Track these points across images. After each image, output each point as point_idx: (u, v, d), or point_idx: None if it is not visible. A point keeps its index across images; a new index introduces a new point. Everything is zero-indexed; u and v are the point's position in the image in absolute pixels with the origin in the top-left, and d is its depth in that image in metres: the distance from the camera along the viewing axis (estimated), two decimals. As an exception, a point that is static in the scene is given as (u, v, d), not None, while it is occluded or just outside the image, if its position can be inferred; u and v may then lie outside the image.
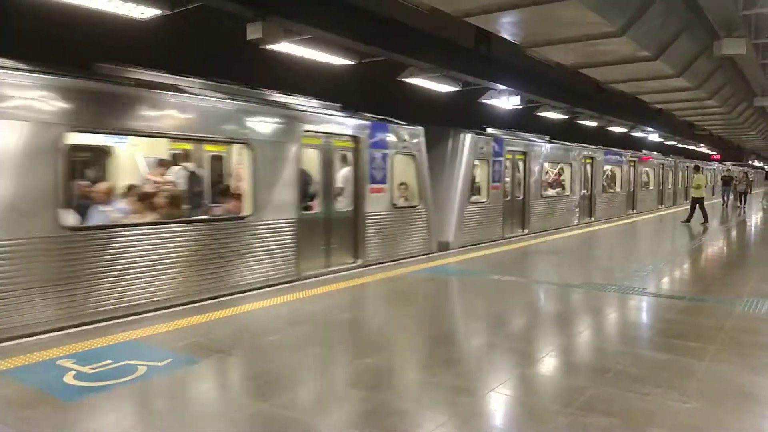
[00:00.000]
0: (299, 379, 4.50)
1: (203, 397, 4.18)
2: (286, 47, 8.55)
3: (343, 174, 9.38)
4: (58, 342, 5.05)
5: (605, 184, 19.75)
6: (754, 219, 21.20)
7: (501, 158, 13.24)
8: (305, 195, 8.54)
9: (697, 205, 17.42)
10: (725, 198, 25.88)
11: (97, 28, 7.52)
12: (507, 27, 8.38)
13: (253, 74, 9.49)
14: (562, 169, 17.30)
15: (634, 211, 21.73)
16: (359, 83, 11.90)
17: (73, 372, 4.36)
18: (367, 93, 12.39)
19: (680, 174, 28.59)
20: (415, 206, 10.64)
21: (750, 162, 54.28)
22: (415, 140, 10.68)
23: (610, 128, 22.19)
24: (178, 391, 4.23)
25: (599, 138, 20.98)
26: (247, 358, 4.97)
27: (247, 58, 9.58)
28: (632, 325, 6.42)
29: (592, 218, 18.20)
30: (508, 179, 13.87)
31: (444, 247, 11.49)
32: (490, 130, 13.34)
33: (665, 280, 9.07)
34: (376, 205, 9.59)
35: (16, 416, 3.68)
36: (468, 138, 12.24)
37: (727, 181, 26.22)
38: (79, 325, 5.60)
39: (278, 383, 4.33)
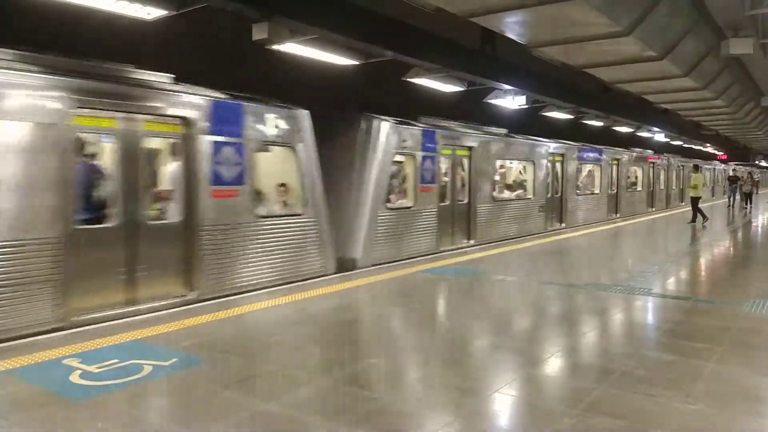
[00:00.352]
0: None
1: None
2: (291, 47, 8.58)
3: (172, 171, 7.15)
4: (64, 341, 5.07)
5: (580, 184, 17.81)
6: (760, 219, 21.10)
7: (434, 154, 11.04)
8: (89, 201, 6.33)
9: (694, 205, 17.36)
10: (731, 198, 25.76)
11: (98, 28, 7.48)
12: (512, 27, 8.38)
13: (256, 75, 9.52)
14: (524, 168, 15.37)
15: (618, 215, 19.80)
16: (365, 84, 11.91)
17: (79, 371, 4.37)
18: (372, 93, 12.41)
19: (674, 173, 26.62)
20: (297, 214, 8.29)
21: (756, 162, 54.07)
22: (292, 127, 8.24)
23: (615, 128, 22.12)
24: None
25: (605, 138, 20.89)
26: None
27: (252, 60, 9.59)
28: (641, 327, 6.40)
29: (563, 224, 16.22)
30: (447, 179, 11.78)
31: (349, 265, 9.14)
32: (423, 119, 11.36)
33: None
34: (224, 214, 7.21)
35: (22, 416, 3.70)
36: (384, 127, 9.86)
37: (733, 181, 26.11)
38: None
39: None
